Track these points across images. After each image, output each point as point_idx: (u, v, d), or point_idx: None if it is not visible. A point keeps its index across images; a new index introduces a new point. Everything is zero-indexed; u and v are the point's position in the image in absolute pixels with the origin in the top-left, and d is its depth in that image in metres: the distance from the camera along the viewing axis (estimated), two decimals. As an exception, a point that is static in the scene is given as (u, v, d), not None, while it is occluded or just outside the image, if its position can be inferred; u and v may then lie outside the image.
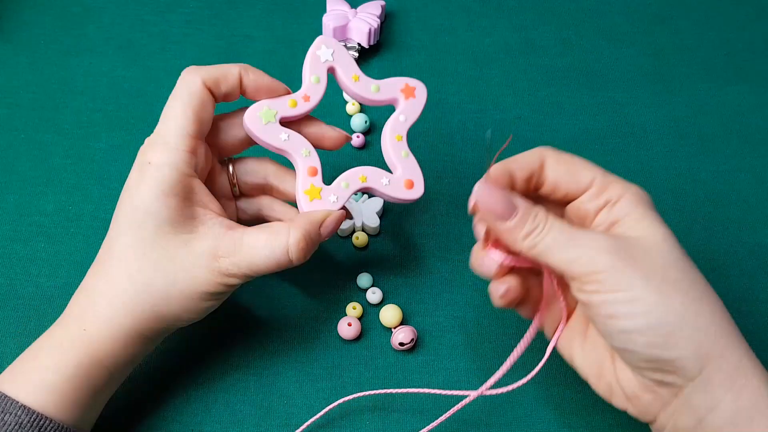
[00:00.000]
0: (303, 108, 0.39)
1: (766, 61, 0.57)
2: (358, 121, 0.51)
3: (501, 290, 0.35)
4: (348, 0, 0.57)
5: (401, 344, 0.43)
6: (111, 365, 0.36)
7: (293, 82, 0.38)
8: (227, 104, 0.40)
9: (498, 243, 0.35)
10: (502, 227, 0.33)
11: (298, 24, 0.57)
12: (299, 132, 0.39)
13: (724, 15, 0.60)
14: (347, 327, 0.44)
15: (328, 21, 0.54)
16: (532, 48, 0.57)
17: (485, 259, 0.35)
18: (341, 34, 0.54)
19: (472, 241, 0.49)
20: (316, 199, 0.38)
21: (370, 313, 0.45)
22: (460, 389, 0.43)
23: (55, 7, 0.57)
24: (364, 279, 0.46)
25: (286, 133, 0.38)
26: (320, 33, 0.56)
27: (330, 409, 0.41)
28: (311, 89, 0.39)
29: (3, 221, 0.48)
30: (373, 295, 0.45)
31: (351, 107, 0.53)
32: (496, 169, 0.35)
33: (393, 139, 0.39)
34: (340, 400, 0.41)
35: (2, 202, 0.48)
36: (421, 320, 0.45)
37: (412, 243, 0.48)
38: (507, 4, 0.59)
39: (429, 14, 0.59)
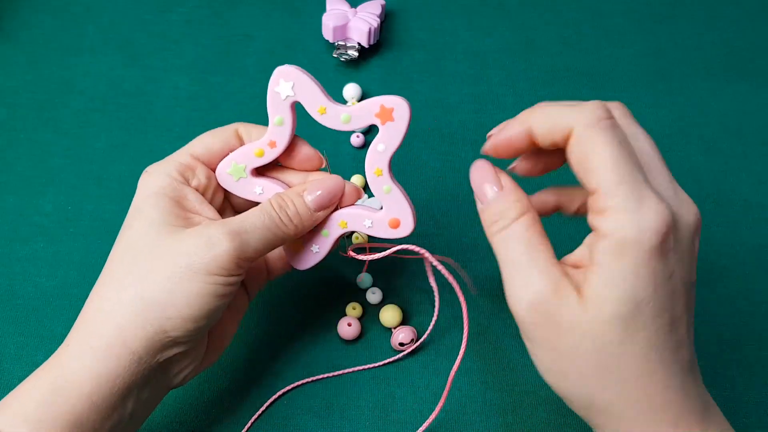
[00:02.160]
0: (271, 155, 0.36)
1: (767, 60, 0.57)
2: (358, 121, 0.51)
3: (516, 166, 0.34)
4: None
5: (401, 344, 0.43)
6: (93, 392, 0.32)
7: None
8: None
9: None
10: (480, 205, 0.32)
11: (298, 24, 0.57)
12: (275, 176, 0.37)
13: (724, 15, 0.60)
14: (347, 327, 0.44)
15: (328, 20, 0.54)
16: (532, 48, 0.57)
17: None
18: (341, 33, 0.54)
19: (473, 240, 0.49)
20: (299, 252, 0.37)
21: (370, 313, 0.45)
22: (460, 389, 0.43)
23: (55, 7, 0.57)
24: (364, 279, 0.46)
25: (260, 185, 0.36)
26: (320, 32, 0.56)
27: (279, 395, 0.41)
28: (275, 133, 0.35)
29: (2, 221, 0.48)
30: (373, 295, 0.45)
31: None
32: (513, 128, 0.31)
33: (372, 176, 0.35)
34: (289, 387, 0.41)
35: (2, 202, 0.48)
36: (421, 320, 0.45)
37: (412, 243, 0.48)
38: (507, 4, 0.59)
39: (429, 14, 0.58)
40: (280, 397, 0.42)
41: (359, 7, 0.55)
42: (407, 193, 0.36)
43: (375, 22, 0.54)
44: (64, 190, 0.49)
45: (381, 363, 0.43)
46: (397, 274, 0.47)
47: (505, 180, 0.32)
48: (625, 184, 0.27)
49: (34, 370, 0.33)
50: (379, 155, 0.35)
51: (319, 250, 0.37)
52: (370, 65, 0.55)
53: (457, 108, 0.54)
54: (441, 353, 0.44)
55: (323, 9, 0.56)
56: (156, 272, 0.32)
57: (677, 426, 0.28)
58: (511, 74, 0.56)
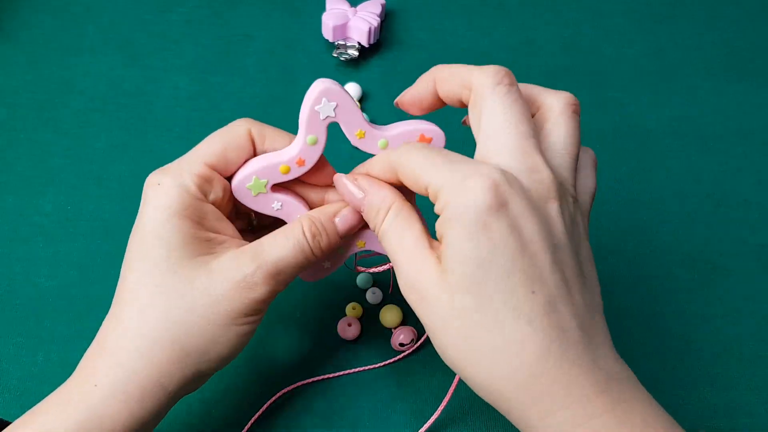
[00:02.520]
0: (296, 173, 0.34)
1: (767, 60, 0.57)
2: (358, 121, 0.51)
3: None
4: None
5: (401, 344, 0.43)
6: (120, 428, 0.31)
7: (292, 82, 0.38)
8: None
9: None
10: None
11: (298, 24, 0.57)
12: (292, 188, 0.36)
13: (724, 15, 0.60)
14: (347, 327, 0.44)
15: (328, 20, 0.54)
16: (532, 48, 0.57)
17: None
18: (341, 33, 0.54)
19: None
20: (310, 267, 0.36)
21: (370, 313, 0.45)
22: (460, 389, 0.43)
23: (55, 7, 0.57)
24: (364, 279, 0.46)
25: (278, 201, 0.35)
26: (320, 32, 0.56)
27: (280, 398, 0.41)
28: (306, 152, 0.33)
29: (2, 221, 0.48)
30: (373, 295, 0.45)
31: (351, 107, 0.52)
32: (421, 85, 0.33)
33: None
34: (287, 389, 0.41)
35: (2, 202, 0.48)
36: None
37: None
38: (507, 4, 0.59)
39: (429, 13, 0.58)
40: (280, 397, 0.42)
41: (359, 7, 0.55)
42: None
43: (375, 22, 0.54)
44: (64, 190, 0.49)
45: (381, 364, 0.43)
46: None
47: (363, 183, 0.32)
48: (496, 154, 0.28)
49: (33, 370, 0.33)
50: None
51: (330, 266, 0.37)
52: (370, 65, 0.55)
53: (457, 108, 0.54)
54: (441, 353, 0.44)
55: (323, 9, 0.56)
56: (193, 316, 0.31)
57: (553, 395, 0.27)
58: (511, 74, 0.56)
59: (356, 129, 0.33)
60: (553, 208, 0.28)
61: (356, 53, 0.54)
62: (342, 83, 0.53)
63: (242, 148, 0.34)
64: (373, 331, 0.45)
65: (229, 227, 0.34)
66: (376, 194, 0.32)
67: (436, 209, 0.28)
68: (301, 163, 0.34)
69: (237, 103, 0.53)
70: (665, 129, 0.54)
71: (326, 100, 0.32)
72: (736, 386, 0.43)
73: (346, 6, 0.55)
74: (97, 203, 0.48)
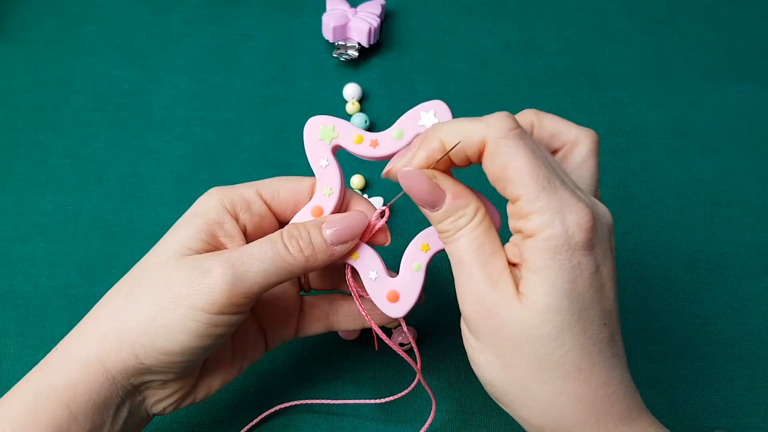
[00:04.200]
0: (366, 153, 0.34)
1: (767, 60, 0.57)
2: (358, 121, 0.51)
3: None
4: None
5: (401, 344, 0.43)
6: (71, 401, 0.31)
7: (292, 82, 0.38)
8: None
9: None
10: (427, 212, 0.31)
11: (298, 24, 0.57)
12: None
13: (724, 15, 0.60)
14: (347, 327, 0.44)
15: (328, 20, 0.54)
16: (532, 48, 0.57)
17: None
18: (341, 33, 0.54)
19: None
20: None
21: (370, 313, 0.45)
22: (460, 389, 0.43)
23: (55, 7, 0.57)
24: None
25: (327, 159, 0.34)
26: (320, 32, 0.56)
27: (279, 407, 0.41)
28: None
29: (2, 221, 0.48)
30: (373, 295, 0.45)
31: (351, 107, 0.52)
32: (429, 147, 0.31)
33: (417, 245, 0.34)
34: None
35: (2, 202, 0.48)
36: (421, 320, 0.45)
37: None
38: (507, 4, 0.59)
39: (429, 14, 0.58)
40: (277, 410, 0.42)
41: (359, 7, 0.55)
42: None
43: (375, 22, 0.54)
44: (64, 190, 0.49)
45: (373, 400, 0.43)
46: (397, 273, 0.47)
47: (446, 183, 0.31)
48: (546, 190, 0.28)
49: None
50: (434, 234, 0.34)
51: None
52: (370, 65, 0.55)
53: (457, 108, 0.53)
54: (441, 353, 0.44)
55: (323, 9, 0.56)
56: (149, 297, 0.31)
57: (622, 419, 0.29)
58: (511, 74, 0.56)
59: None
60: (612, 242, 0.30)
61: (356, 53, 0.54)
62: (342, 83, 0.54)
63: (298, 191, 0.35)
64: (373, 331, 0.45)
65: (240, 244, 0.34)
66: (462, 196, 0.31)
67: (519, 225, 0.29)
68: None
69: (237, 103, 0.53)
70: (665, 129, 0.54)
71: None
72: (736, 386, 0.43)
73: (346, 6, 0.55)
74: (97, 203, 0.48)
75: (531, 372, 0.29)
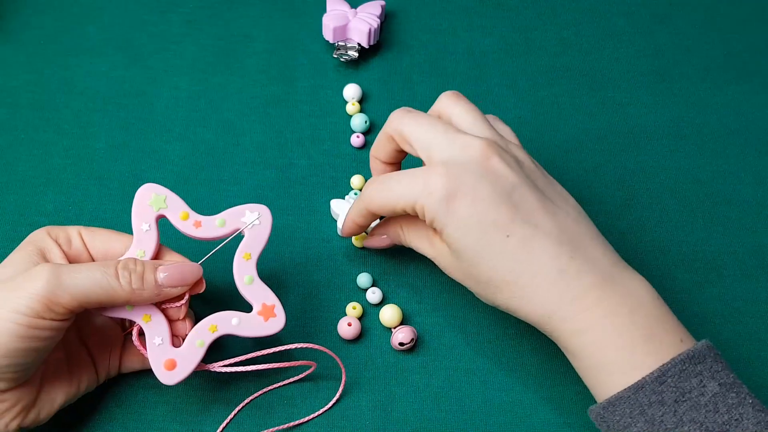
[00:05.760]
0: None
1: (766, 61, 0.57)
2: (358, 121, 0.51)
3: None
4: (348, 0, 0.57)
5: (401, 344, 0.43)
6: None
7: (292, 83, 0.38)
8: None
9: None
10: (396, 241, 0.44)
11: (298, 24, 0.57)
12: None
13: (724, 15, 0.60)
14: (347, 327, 0.44)
15: (328, 21, 0.54)
16: (532, 48, 0.57)
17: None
18: (341, 34, 0.54)
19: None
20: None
21: (370, 313, 0.45)
22: (460, 389, 0.43)
23: (55, 7, 0.57)
24: (364, 279, 0.46)
25: (149, 225, 0.37)
26: (320, 33, 0.56)
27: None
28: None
29: (3, 221, 0.48)
30: (373, 295, 0.45)
31: (351, 107, 0.53)
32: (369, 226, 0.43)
33: (206, 325, 0.38)
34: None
35: (2, 202, 0.48)
36: (421, 320, 0.45)
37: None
38: (507, 4, 0.59)
39: (429, 14, 0.59)
40: (280, 397, 0.43)
41: (359, 8, 0.55)
42: None
43: (375, 23, 0.54)
44: (64, 190, 0.49)
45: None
46: (397, 274, 0.47)
47: (378, 229, 0.44)
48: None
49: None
50: (226, 317, 0.38)
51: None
52: (370, 65, 0.55)
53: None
54: (441, 353, 0.44)
55: (323, 9, 0.57)
56: None
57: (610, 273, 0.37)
58: (511, 74, 0.56)
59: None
60: (495, 162, 0.36)
61: (356, 54, 0.54)
62: (342, 84, 0.54)
63: (112, 245, 0.38)
64: (373, 331, 0.45)
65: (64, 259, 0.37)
66: (383, 226, 0.44)
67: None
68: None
69: (237, 103, 0.53)
70: (664, 129, 0.54)
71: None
72: (735, 386, 0.43)
73: (346, 7, 0.55)
74: (97, 203, 0.48)
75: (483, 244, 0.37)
